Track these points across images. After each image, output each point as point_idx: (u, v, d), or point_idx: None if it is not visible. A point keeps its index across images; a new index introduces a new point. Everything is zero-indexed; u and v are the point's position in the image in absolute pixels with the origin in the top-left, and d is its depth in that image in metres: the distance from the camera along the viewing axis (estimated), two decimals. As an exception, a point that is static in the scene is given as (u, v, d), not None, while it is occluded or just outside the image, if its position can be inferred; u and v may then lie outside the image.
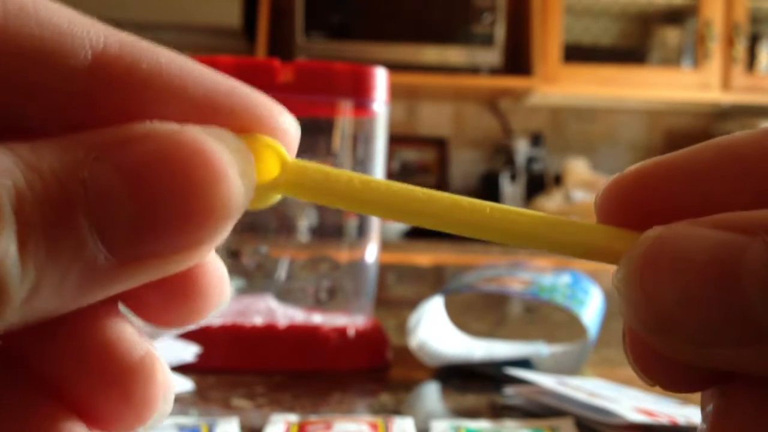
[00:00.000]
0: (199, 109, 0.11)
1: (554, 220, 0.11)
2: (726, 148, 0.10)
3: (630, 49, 1.80)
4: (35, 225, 0.09)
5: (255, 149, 0.11)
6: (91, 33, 0.11)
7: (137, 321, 0.11)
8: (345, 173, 0.12)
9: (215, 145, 0.10)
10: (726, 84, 1.67)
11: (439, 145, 1.93)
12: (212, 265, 0.11)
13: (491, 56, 1.67)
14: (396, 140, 1.80)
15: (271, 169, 0.11)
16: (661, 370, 0.11)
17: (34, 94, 0.10)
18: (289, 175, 0.11)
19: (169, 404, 0.11)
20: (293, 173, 0.11)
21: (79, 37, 0.10)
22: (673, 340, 0.09)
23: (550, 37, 1.69)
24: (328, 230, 0.41)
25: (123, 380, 0.11)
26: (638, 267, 0.10)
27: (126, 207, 0.09)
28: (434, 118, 1.94)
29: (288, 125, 0.12)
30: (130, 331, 0.11)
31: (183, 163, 0.10)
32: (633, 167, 0.11)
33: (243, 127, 0.11)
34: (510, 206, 0.12)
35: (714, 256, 0.09)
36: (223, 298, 0.12)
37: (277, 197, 0.12)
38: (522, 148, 1.83)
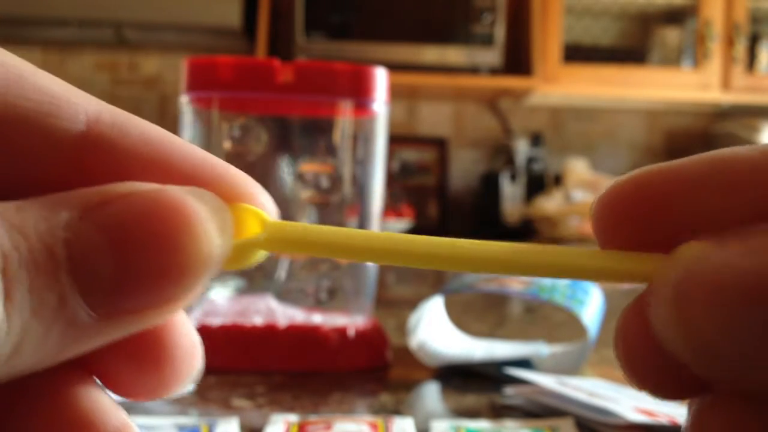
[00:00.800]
0: (185, 178, 0.11)
1: (559, 251, 0.12)
2: (721, 159, 0.11)
3: (630, 49, 1.80)
4: (20, 285, 0.09)
5: (237, 215, 0.11)
6: (86, 102, 0.11)
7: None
8: (323, 227, 0.12)
9: (194, 203, 0.10)
10: (726, 84, 1.67)
11: (439, 145, 1.93)
12: (183, 330, 0.12)
13: (491, 56, 1.66)
14: (396, 140, 1.80)
15: (252, 226, 0.12)
16: (652, 378, 0.11)
17: (29, 156, 0.10)
18: (271, 232, 0.12)
19: None
20: (274, 231, 0.12)
21: (74, 104, 0.11)
22: (713, 368, 0.10)
23: (550, 37, 1.69)
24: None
25: None
26: (672, 300, 0.10)
27: (107, 265, 0.10)
28: (434, 118, 1.94)
29: (267, 200, 0.12)
30: (105, 401, 0.11)
31: (163, 220, 0.10)
32: (628, 175, 0.11)
33: (226, 199, 0.11)
34: (486, 241, 0.12)
35: (748, 286, 0.09)
36: (195, 366, 0.12)
37: (260, 255, 0.12)
38: (522, 148, 1.83)
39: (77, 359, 0.11)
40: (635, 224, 0.11)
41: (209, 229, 0.10)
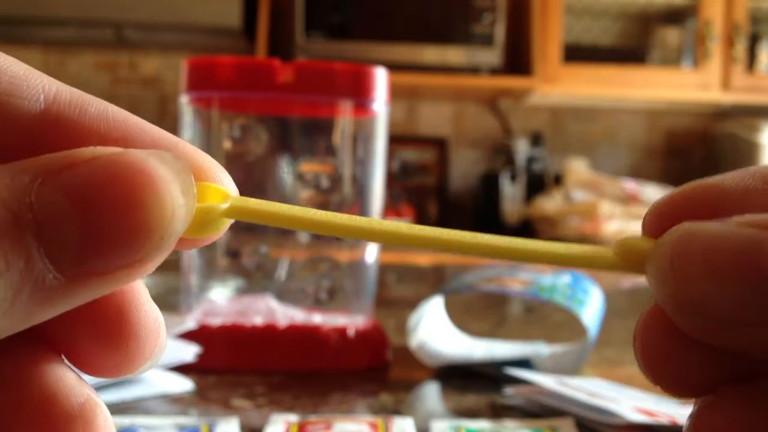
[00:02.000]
0: None
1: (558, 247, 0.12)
2: (761, 174, 0.12)
3: (630, 49, 1.80)
4: None
5: (200, 191, 0.12)
6: (45, 81, 0.11)
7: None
8: (281, 206, 0.12)
9: (157, 165, 0.10)
10: (726, 84, 1.67)
11: (439, 145, 1.93)
12: (146, 308, 0.12)
13: (491, 56, 1.66)
14: (396, 140, 1.80)
15: (215, 196, 0.12)
16: (669, 375, 0.12)
17: None
18: (234, 203, 0.12)
19: None
20: (237, 201, 0.12)
21: (34, 84, 0.11)
22: (703, 321, 0.11)
23: (550, 37, 1.69)
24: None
25: (61, 426, 0.11)
26: (669, 255, 0.11)
27: (72, 227, 0.10)
28: (434, 118, 1.94)
29: (228, 180, 0.12)
30: (70, 377, 0.11)
31: (126, 182, 0.10)
32: (680, 187, 0.12)
33: None
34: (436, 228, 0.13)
35: (738, 247, 0.10)
36: (160, 343, 0.12)
37: (223, 224, 0.12)
38: (522, 148, 1.83)
39: (43, 336, 0.11)
40: None
41: (172, 189, 0.10)
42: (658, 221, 0.12)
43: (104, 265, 0.10)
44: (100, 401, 0.11)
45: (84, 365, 0.12)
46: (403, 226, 0.12)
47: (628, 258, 0.12)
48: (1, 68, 0.11)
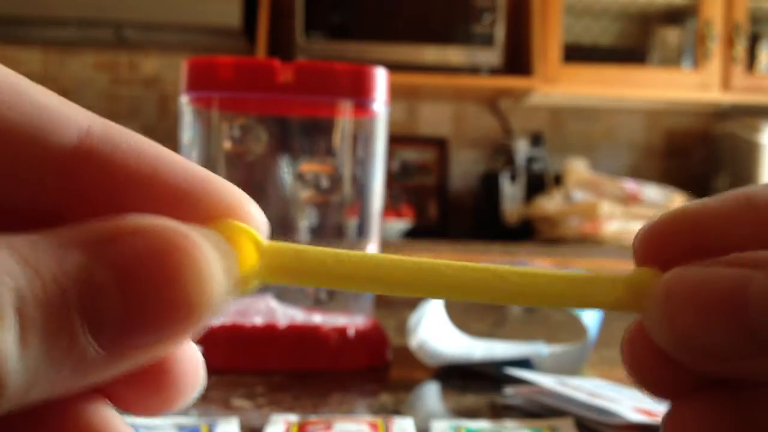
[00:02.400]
0: (176, 193, 0.11)
1: (558, 278, 0.13)
2: (750, 196, 0.12)
3: (630, 49, 1.80)
4: (34, 323, 0.09)
5: (231, 236, 0.12)
6: (79, 114, 0.11)
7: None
8: (320, 251, 0.12)
9: (202, 244, 0.11)
10: (726, 84, 1.67)
11: (439, 145, 1.93)
12: (188, 355, 0.12)
13: (491, 56, 1.67)
14: (396, 140, 1.80)
15: (249, 256, 0.12)
16: (650, 380, 0.13)
17: (22, 170, 0.11)
18: (267, 261, 0.12)
19: None
20: (271, 258, 0.12)
21: (67, 117, 0.11)
22: (695, 357, 0.12)
23: (550, 37, 1.69)
24: (329, 230, 0.41)
25: None
26: (662, 299, 0.12)
27: (116, 304, 0.10)
28: (434, 118, 1.94)
29: (257, 213, 0.12)
30: (115, 420, 0.12)
31: (171, 261, 0.10)
32: (665, 215, 0.13)
33: (216, 212, 0.12)
34: (492, 265, 0.13)
35: (725, 287, 0.11)
36: (198, 385, 0.12)
37: (256, 284, 0.12)
38: (522, 148, 1.83)
39: None
40: (674, 253, 0.12)
41: (216, 272, 0.11)
42: (646, 250, 0.13)
43: (143, 341, 0.10)
44: None
45: (126, 406, 0.12)
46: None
47: (632, 291, 0.12)
48: (36, 102, 0.11)
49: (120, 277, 0.10)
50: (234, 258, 0.11)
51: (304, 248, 0.12)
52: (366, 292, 0.12)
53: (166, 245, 0.10)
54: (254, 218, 0.12)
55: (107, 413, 0.11)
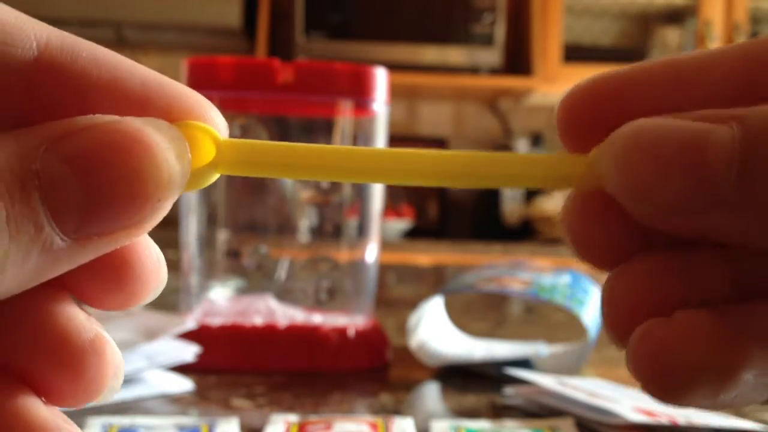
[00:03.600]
0: (136, 98, 0.12)
1: (504, 157, 0.12)
2: (671, 61, 0.12)
3: (630, 49, 1.80)
4: None
5: (189, 134, 0.12)
6: (36, 28, 0.11)
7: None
8: (275, 144, 0.12)
9: (152, 132, 0.11)
10: (726, 84, 1.66)
11: (439, 145, 1.93)
12: (147, 250, 0.13)
13: (491, 56, 1.67)
14: (396, 140, 1.79)
15: (207, 151, 0.12)
16: (591, 247, 0.13)
17: None
18: (224, 154, 0.12)
19: (119, 380, 0.12)
20: (228, 152, 0.12)
21: (25, 31, 0.11)
22: (651, 209, 0.11)
23: (550, 37, 1.69)
24: (328, 230, 0.41)
25: (74, 360, 0.12)
26: (622, 147, 0.11)
27: (75, 192, 0.11)
28: (434, 118, 1.94)
29: (216, 115, 0.13)
30: (80, 315, 0.12)
31: (124, 150, 0.11)
32: (588, 78, 0.13)
33: (176, 116, 0.12)
34: (443, 151, 0.13)
35: (686, 138, 0.11)
36: (160, 280, 0.13)
37: (216, 176, 0.13)
38: (522, 148, 1.83)
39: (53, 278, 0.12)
40: (596, 123, 0.12)
41: (168, 156, 0.11)
42: (569, 116, 0.13)
43: (106, 228, 0.11)
44: (108, 337, 0.12)
45: (91, 301, 0.12)
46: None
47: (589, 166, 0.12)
48: None
49: (77, 168, 0.11)
50: (185, 144, 0.12)
51: (260, 142, 0.12)
52: (320, 180, 0.13)
53: (119, 136, 0.11)
54: (213, 120, 0.12)
55: (72, 310, 0.12)
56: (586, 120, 0.13)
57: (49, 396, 0.12)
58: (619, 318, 0.12)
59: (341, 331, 0.37)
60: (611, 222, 0.12)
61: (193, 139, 0.12)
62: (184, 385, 0.33)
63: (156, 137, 0.11)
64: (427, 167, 0.12)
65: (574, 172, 0.12)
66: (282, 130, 0.42)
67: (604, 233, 0.12)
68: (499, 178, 0.12)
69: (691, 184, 0.11)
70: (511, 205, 1.72)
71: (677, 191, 0.11)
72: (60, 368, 0.12)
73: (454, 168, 0.12)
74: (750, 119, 0.11)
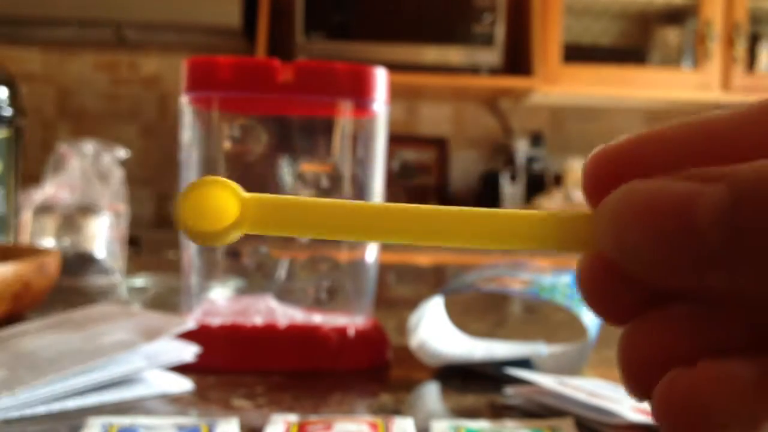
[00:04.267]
0: None
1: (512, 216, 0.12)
2: (699, 124, 0.12)
3: (630, 49, 1.80)
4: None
5: (212, 192, 0.12)
6: None
7: None
8: (300, 200, 0.12)
9: None
10: (726, 84, 1.67)
11: (439, 144, 1.93)
12: None
13: (491, 56, 1.67)
14: (396, 140, 1.80)
15: (231, 208, 0.12)
16: (603, 304, 0.13)
17: None
18: (248, 212, 0.12)
19: None
20: (252, 209, 0.12)
21: None
22: (642, 266, 0.12)
23: (550, 37, 1.69)
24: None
25: None
26: (615, 207, 0.12)
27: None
28: (434, 118, 1.94)
29: None
30: None
31: None
32: (617, 139, 0.13)
33: None
34: (474, 208, 0.13)
35: (676, 200, 0.11)
36: None
37: (240, 234, 0.12)
38: (522, 148, 1.83)
39: None
40: (621, 183, 0.12)
41: None
42: (596, 175, 0.13)
43: None
44: None
45: None
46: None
47: (574, 227, 0.12)
48: None
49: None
50: None
51: (284, 198, 0.12)
52: (346, 239, 0.13)
53: None
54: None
55: None
56: (611, 179, 0.13)
57: None
58: (638, 371, 0.12)
59: (341, 331, 0.37)
60: (621, 280, 0.12)
61: (216, 196, 0.12)
62: (183, 385, 0.33)
63: None
64: (443, 226, 0.12)
65: (583, 233, 0.12)
66: (282, 130, 0.42)
67: (615, 291, 0.12)
68: (508, 240, 0.12)
69: (681, 245, 0.11)
70: (511, 204, 1.72)
71: (668, 252, 0.11)
72: None
73: (459, 227, 0.12)
74: (737, 176, 0.11)
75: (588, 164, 0.13)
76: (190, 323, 0.34)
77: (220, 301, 0.40)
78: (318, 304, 0.40)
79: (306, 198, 0.12)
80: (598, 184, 0.13)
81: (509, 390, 0.32)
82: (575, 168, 1.68)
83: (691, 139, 0.12)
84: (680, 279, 0.11)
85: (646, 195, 0.11)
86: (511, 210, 0.12)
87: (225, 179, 0.12)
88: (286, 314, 0.38)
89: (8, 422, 0.28)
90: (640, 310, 0.12)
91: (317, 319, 0.39)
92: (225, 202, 0.12)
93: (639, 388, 0.12)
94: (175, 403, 0.31)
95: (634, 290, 0.12)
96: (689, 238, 0.11)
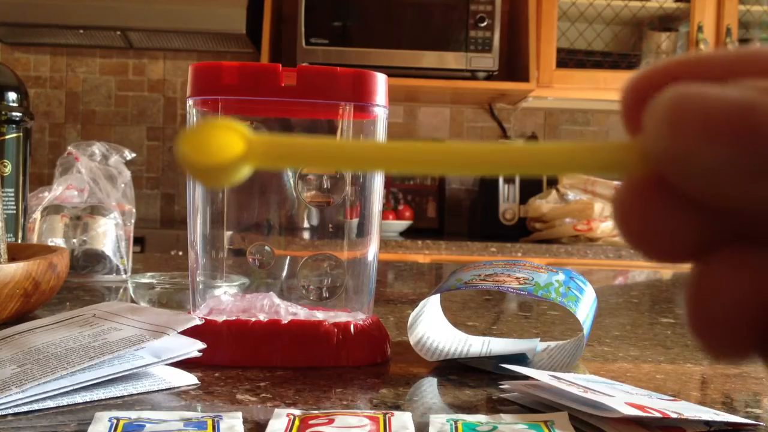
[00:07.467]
0: None
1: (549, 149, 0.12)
2: (745, 52, 0.12)
3: (623, 54, 1.81)
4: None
5: (220, 133, 0.12)
6: None
7: None
8: (302, 139, 0.12)
9: None
10: (719, 87, 1.67)
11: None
12: None
13: (488, 61, 1.68)
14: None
15: (238, 147, 0.12)
16: (646, 235, 0.12)
17: None
18: (255, 149, 0.12)
19: None
20: (259, 147, 0.12)
21: None
22: (697, 174, 0.11)
23: (545, 42, 1.71)
24: (330, 229, 0.42)
25: None
26: (668, 110, 0.11)
27: None
28: (432, 121, 1.95)
29: None
30: None
31: None
32: (655, 62, 0.12)
33: None
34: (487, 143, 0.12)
35: (733, 102, 0.10)
36: None
37: (248, 170, 0.12)
38: (518, 150, 1.83)
39: None
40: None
41: None
42: (634, 98, 0.12)
43: None
44: None
45: None
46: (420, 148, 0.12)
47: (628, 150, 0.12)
48: None
49: None
50: None
51: (287, 136, 0.12)
52: (350, 171, 0.13)
53: None
54: None
55: None
56: (647, 102, 0.12)
57: None
58: (722, 322, 0.11)
59: (343, 328, 0.38)
60: (667, 205, 0.11)
61: (221, 135, 0.12)
62: (189, 379, 0.33)
63: None
64: (472, 158, 0.12)
65: (623, 156, 0.12)
66: (285, 132, 0.42)
67: (660, 218, 0.11)
68: (549, 167, 0.12)
69: (740, 149, 0.10)
70: (508, 205, 1.73)
71: (725, 155, 0.10)
72: None
73: (508, 159, 0.12)
74: None
75: (626, 87, 0.12)
76: (196, 320, 0.35)
77: (225, 298, 0.41)
78: (320, 301, 0.41)
79: (308, 138, 0.12)
80: (638, 106, 0.12)
81: (505, 385, 0.33)
82: (571, 170, 1.69)
83: (731, 59, 0.12)
84: (734, 186, 0.10)
85: (701, 96, 0.11)
86: (553, 143, 0.12)
87: (231, 120, 0.12)
88: (289, 311, 0.39)
89: (18, 416, 0.28)
90: (686, 244, 0.11)
91: (319, 315, 0.39)
92: (231, 140, 0.12)
93: (730, 345, 0.11)
94: (181, 397, 0.32)
95: (681, 215, 0.11)
96: (749, 142, 0.10)
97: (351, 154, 0.12)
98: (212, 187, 0.12)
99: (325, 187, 0.40)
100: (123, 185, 0.67)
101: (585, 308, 0.38)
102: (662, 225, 0.11)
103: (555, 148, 0.12)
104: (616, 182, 0.12)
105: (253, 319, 0.38)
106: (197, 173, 0.12)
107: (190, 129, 0.12)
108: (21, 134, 0.62)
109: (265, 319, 0.38)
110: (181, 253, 1.38)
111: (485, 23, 1.65)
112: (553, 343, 0.41)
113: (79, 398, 0.30)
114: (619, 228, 0.12)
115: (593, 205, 1.56)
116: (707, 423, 0.29)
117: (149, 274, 0.54)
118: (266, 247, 0.41)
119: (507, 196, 1.72)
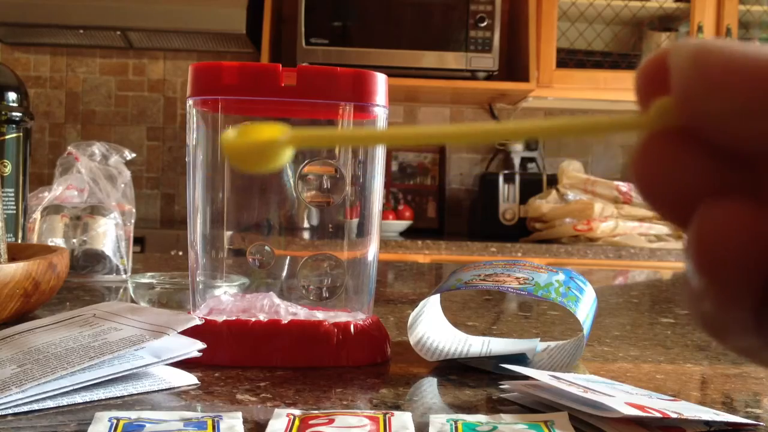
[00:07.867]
0: None
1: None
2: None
3: (623, 54, 1.81)
4: None
5: (258, 128, 0.14)
6: None
7: None
8: (331, 130, 0.15)
9: None
10: (719, 87, 1.68)
11: (438, 147, 1.94)
12: None
13: (488, 61, 1.68)
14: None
15: (273, 135, 0.14)
16: (660, 182, 0.12)
17: None
18: (291, 135, 0.14)
19: None
20: (295, 135, 0.14)
21: None
22: (719, 109, 0.11)
23: (545, 42, 1.71)
24: (330, 229, 0.42)
25: None
26: (693, 50, 0.11)
27: None
28: (432, 121, 1.95)
29: None
30: None
31: None
32: (678, 43, 0.12)
33: None
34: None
35: (754, 52, 0.11)
36: None
37: (289, 153, 0.14)
38: (518, 150, 1.84)
39: None
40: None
41: None
42: (649, 79, 0.13)
43: None
44: None
45: None
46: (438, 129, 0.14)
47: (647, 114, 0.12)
48: None
49: None
50: None
51: (315, 129, 0.15)
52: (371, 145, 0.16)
53: None
54: None
55: None
56: (662, 83, 0.12)
57: None
58: (728, 262, 0.11)
59: (343, 328, 0.38)
60: (684, 161, 0.12)
61: (260, 129, 0.13)
62: (189, 379, 0.33)
63: None
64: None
65: (642, 118, 0.12)
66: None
67: (676, 175, 0.12)
68: (572, 131, 0.13)
69: (759, 90, 0.10)
70: (508, 205, 1.73)
71: (750, 89, 0.10)
72: None
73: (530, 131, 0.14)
74: None
75: (640, 69, 0.13)
76: (196, 320, 0.35)
77: (225, 298, 0.41)
78: (320, 301, 0.41)
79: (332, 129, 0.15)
80: (652, 88, 0.12)
81: (505, 385, 0.33)
82: (569, 170, 1.69)
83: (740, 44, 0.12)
84: (752, 129, 0.11)
85: (724, 45, 0.11)
86: (576, 117, 0.13)
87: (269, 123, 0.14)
88: (289, 311, 0.39)
89: (18, 416, 0.28)
90: (702, 191, 0.12)
91: (319, 315, 0.39)
92: (268, 132, 0.14)
93: (733, 291, 0.11)
94: (181, 397, 0.32)
95: (697, 174, 0.11)
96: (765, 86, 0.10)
97: (368, 134, 0.15)
98: (257, 171, 0.14)
99: (325, 187, 0.41)
100: (123, 185, 0.67)
101: (585, 308, 0.38)
102: (677, 172, 0.12)
103: (577, 119, 0.13)
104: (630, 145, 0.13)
105: (253, 319, 0.38)
106: (242, 157, 0.14)
107: (233, 127, 0.14)
108: (21, 134, 0.62)
109: (265, 319, 0.38)
110: (181, 253, 1.38)
111: (485, 23, 1.66)
112: (553, 343, 0.41)
113: (79, 398, 0.30)
114: (634, 177, 0.12)
115: (593, 205, 1.56)
116: (707, 423, 0.29)
117: (149, 274, 0.54)
118: (266, 247, 0.41)
119: (507, 196, 1.72)
